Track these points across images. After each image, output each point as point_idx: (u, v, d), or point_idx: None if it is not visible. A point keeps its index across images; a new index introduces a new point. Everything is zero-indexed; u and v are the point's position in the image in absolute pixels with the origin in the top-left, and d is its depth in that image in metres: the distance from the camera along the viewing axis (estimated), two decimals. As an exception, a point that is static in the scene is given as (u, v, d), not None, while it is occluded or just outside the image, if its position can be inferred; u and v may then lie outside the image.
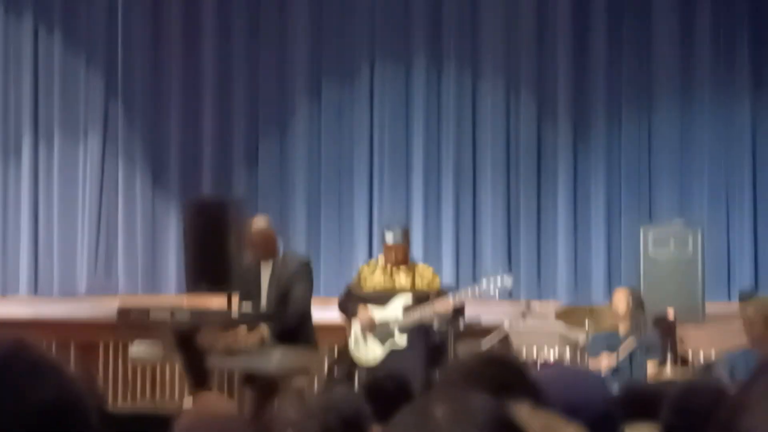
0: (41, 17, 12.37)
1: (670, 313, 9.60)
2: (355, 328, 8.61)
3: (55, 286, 12.14)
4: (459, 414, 1.63)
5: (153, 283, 12.08)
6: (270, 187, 12.10)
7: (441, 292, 8.66)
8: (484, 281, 8.86)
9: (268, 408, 7.42)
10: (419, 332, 8.48)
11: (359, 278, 8.83)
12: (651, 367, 8.66)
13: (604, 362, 8.52)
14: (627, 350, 8.59)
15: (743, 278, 11.24)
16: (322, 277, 11.13)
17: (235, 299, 8.52)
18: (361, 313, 8.54)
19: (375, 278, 8.71)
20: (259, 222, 8.53)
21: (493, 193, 11.75)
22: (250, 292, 8.33)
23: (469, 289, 9.03)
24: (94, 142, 12.27)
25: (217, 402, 4.45)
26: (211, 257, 9.25)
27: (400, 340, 8.49)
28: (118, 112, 12.30)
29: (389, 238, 8.65)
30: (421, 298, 8.54)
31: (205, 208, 9.71)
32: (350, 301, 8.70)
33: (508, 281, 8.82)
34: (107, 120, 12.32)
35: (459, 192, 11.83)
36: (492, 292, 8.82)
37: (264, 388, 8.00)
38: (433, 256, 11.13)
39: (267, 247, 8.29)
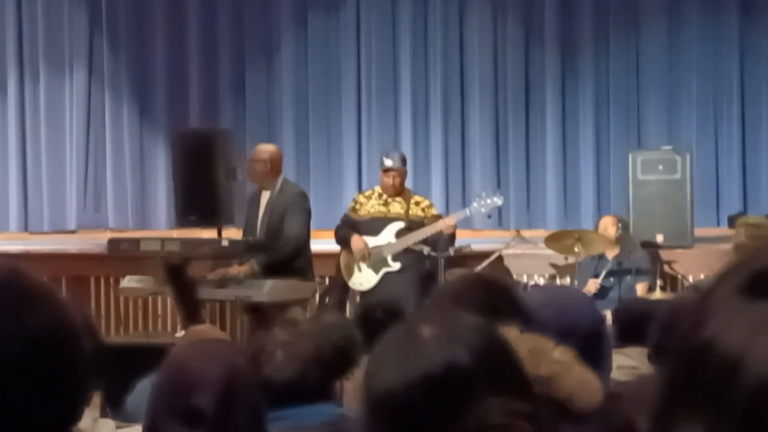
0: (23, -48, 12.25)
1: (659, 237, 9.64)
2: (349, 256, 8.66)
3: (45, 221, 12.14)
4: (446, 333, 1.64)
5: (143, 218, 12.08)
6: (257, 117, 12.06)
7: (436, 218, 8.70)
8: (475, 202, 8.92)
9: (260, 334, 7.48)
10: (412, 258, 8.53)
11: (354, 205, 8.87)
12: (640, 290, 8.72)
13: (590, 286, 8.59)
14: (606, 269, 8.68)
15: (732, 203, 11.27)
16: (312, 208, 11.10)
17: (236, 229, 8.54)
18: (355, 241, 8.58)
19: (369, 205, 8.75)
20: (266, 145, 8.57)
21: (481, 120, 11.72)
22: (251, 221, 8.35)
23: (462, 210, 9.10)
24: (79, 77, 12.20)
25: (210, 333, 4.46)
26: (200, 190, 9.26)
27: (394, 266, 8.55)
28: (103, 46, 12.21)
29: (388, 162, 8.68)
30: (414, 225, 8.58)
31: (193, 139, 9.71)
32: (345, 229, 8.75)
33: (498, 201, 8.88)
34: (92, 54, 12.24)
35: (447, 120, 11.80)
36: (484, 211, 8.89)
37: (258, 317, 8.05)
38: (422, 185, 11.13)
39: (271, 169, 8.27)
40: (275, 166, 8.33)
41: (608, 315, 5.49)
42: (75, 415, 1.38)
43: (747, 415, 0.73)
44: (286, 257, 8.08)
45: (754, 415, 0.72)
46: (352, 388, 2.82)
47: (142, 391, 4.07)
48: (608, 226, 9.06)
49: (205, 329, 5.02)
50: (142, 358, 4.46)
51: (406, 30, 11.86)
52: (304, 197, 8.40)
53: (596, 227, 9.28)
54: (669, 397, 0.78)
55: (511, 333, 1.98)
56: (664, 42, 11.55)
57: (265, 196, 8.31)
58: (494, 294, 2.60)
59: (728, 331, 0.75)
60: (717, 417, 0.74)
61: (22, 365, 1.30)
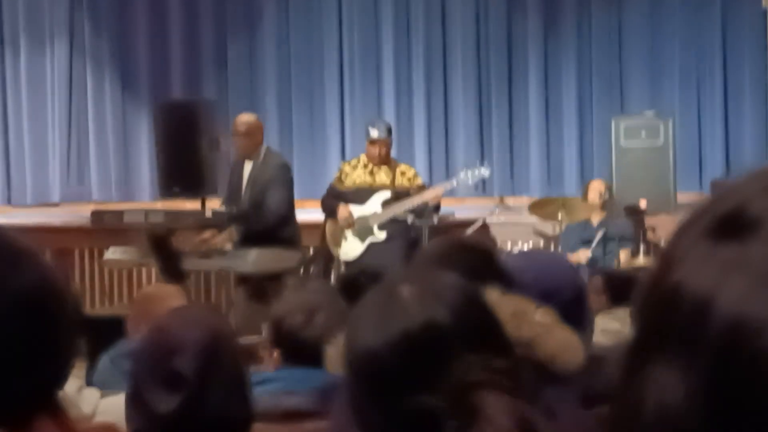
0: (1, -77, 12.15)
1: (642, 203, 9.66)
2: (335, 226, 8.66)
3: (29, 195, 12.10)
4: (425, 292, 1.64)
5: (127, 190, 12.05)
6: (240, 88, 12.02)
7: (422, 188, 8.72)
8: (461, 173, 8.92)
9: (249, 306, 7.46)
10: (397, 227, 8.53)
11: (340, 175, 8.87)
12: (624, 256, 8.75)
13: (581, 256, 8.60)
14: (598, 237, 8.68)
15: (714, 168, 11.30)
16: (296, 178, 11.09)
17: (217, 200, 8.53)
18: (340, 210, 8.59)
19: (355, 175, 8.74)
20: (247, 115, 8.52)
21: (464, 89, 11.72)
22: (234, 191, 8.34)
23: (448, 181, 9.11)
24: (61, 50, 12.13)
25: (159, 292, 4.48)
26: (184, 160, 9.26)
27: (379, 235, 8.56)
28: (83, 18, 12.14)
29: (374, 133, 8.67)
30: (400, 195, 8.59)
31: (176, 110, 9.69)
32: (331, 198, 8.75)
33: (485, 172, 8.88)
34: (73, 26, 12.17)
35: (430, 89, 11.79)
36: (470, 182, 8.90)
37: (249, 286, 8.06)
38: (405, 154, 11.12)
39: (252, 140, 8.25)
40: (255, 136, 8.30)
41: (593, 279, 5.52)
42: (60, 378, 1.38)
43: (720, 355, 0.73)
44: (269, 228, 8.08)
45: (727, 355, 0.73)
46: (333, 352, 2.84)
47: (104, 367, 4.10)
48: (595, 190, 9.07)
49: (154, 289, 5.03)
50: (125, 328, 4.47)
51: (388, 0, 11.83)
52: (286, 168, 8.39)
53: (585, 191, 9.28)
54: (640, 342, 0.79)
55: (492, 295, 1.99)
56: (646, 8, 11.54)
57: (248, 166, 8.29)
58: (475, 257, 2.60)
59: (697, 274, 0.76)
60: (690, 359, 0.74)
61: (6, 324, 1.30)
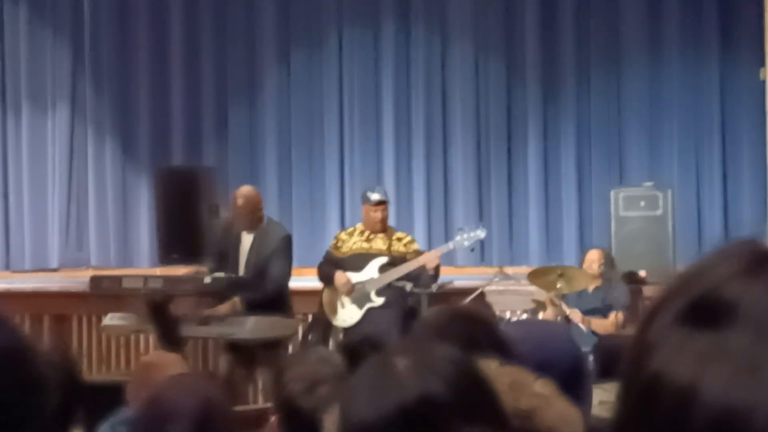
0: (6, -11, 12.25)
1: (642, 274, 9.66)
2: (332, 293, 8.65)
3: (27, 260, 12.08)
4: (421, 365, 1.63)
5: (126, 255, 12.03)
6: (240, 155, 12.06)
7: (418, 253, 8.73)
8: (457, 236, 8.94)
9: (244, 374, 7.43)
10: (395, 293, 8.53)
11: (336, 242, 8.88)
12: (611, 317, 8.76)
13: (577, 316, 8.62)
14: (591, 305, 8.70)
15: (713, 238, 11.29)
16: (295, 245, 11.09)
17: (206, 264, 8.50)
18: (339, 277, 8.59)
19: (352, 242, 8.75)
20: (245, 189, 8.52)
21: (464, 157, 11.75)
22: (228, 258, 8.31)
23: (445, 244, 9.13)
24: (62, 114, 12.17)
25: (161, 361, 4.45)
26: (183, 227, 9.26)
27: (377, 301, 8.55)
28: (86, 83, 12.20)
29: (376, 196, 8.70)
30: (397, 261, 8.59)
31: (176, 176, 9.72)
32: (327, 266, 8.75)
33: (482, 233, 8.91)
34: (75, 91, 12.22)
35: (430, 156, 11.82)
36: (467, 245, 8.91)
37: (240, 355, 8.03)
38: (404, 220, 11.13)
39: (252, 215, 8.26)
40: (256, 210, 8.32)
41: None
42: None
43: None
44: (268, 297, 8.08)
45: None
46: (330, 423, 2.82)
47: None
48: (594, 259, 9.09)
49: (156, 358, 5.00)
50: (124, 396, 4.44)
51: (389, 67, 11.90)
52: (289, 240, 8.42)
53: (582, 260, 9.28)
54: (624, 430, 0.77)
55: (491, 366, 1.98)
56: (645, 78, 11.61)
57: (246, 237, 8.30)
58: (474, 327, 2.60)
59: (675, 363, 0.74)
60: None
61: None
